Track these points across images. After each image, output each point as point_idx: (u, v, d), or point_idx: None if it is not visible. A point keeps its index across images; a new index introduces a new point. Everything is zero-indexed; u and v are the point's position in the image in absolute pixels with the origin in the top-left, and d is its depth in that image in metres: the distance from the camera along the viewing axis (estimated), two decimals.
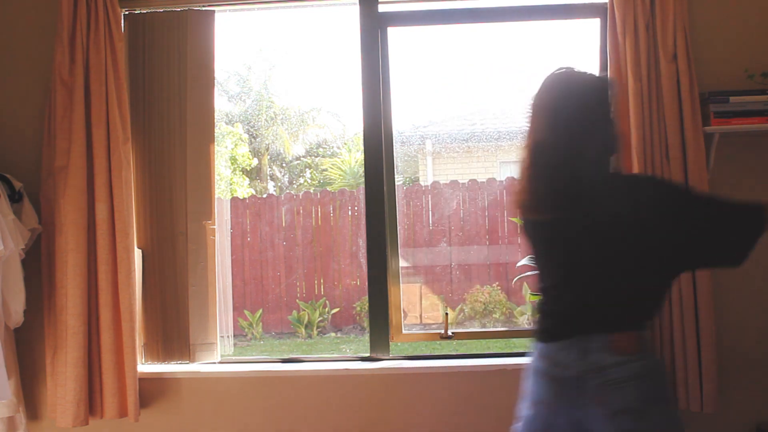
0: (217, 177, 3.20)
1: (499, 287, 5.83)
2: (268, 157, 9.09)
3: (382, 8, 3.07)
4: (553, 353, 1.94)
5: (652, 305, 1.97)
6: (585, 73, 1.96)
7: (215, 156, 3.12)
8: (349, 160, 8.32)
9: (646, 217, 1.84)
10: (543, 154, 1.91)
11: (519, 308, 5.59)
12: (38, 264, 2.95)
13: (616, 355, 1.86)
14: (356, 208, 6.59)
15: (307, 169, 9.28)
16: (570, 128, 1.90)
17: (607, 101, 1.94)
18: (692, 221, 1.87)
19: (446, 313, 3.21)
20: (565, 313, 1.96)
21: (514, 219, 5.20)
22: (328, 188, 7.53)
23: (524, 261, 3.05)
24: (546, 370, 1.96)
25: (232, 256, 6.26)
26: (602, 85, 1.95)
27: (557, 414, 1.93)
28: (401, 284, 3.15)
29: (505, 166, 6.37)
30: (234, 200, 6.90)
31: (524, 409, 2.04)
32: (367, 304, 3.17)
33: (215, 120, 3.11)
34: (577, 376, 1.89)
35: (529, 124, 1.99)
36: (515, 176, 2.03)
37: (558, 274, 1.98)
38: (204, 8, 3.08)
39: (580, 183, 1.88)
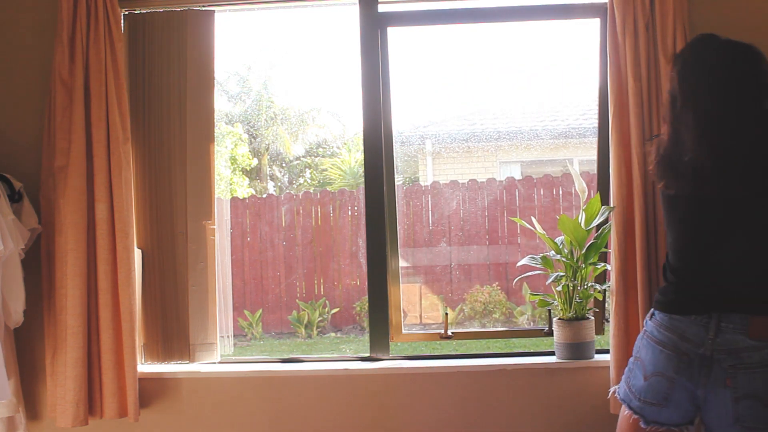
0: (217, 177, 3.20)
1: (498, 287, 5.83)
2: (268, 157, 9.09)
3: (382, 8, 3.07)
4: (683, 327, 1.92)
5: None
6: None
7: (215, 156, 3.12)
8: (349, 160, 8.32)
9: None
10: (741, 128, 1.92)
11: (519, 308, 5.58)
12: (38, 264, 2.94)
13: (752, 339, 1.84)
14: (356, 208, 6.59)
15: (307, 169, 9.28)
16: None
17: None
18: None
19: (446, 313, 3.21)
20: (703, 287, 1.94)
21: (514, 219, 5.19)
22: (328, 188, 7.53)
23: (524, 261, 3.05)
24: (672, 342, 1.93)
25: (232, 256, 6.26)
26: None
27: (676, 388, 1.92)
28: (401, 284, 3.15)
29: (505, 166, 6.37)
30: (234, 200, 6.90)
31: (636, 376, 2.02)
32: (367, 304, 3.17)
33: (215, 120, 3.11)
34: (709, 354, 1.87)
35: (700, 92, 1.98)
36: (654, 139, 2.12)
37: (703, 246, 1.98)
38: (204, 8, 3.07)
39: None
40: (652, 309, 2.07)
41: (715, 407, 1.87)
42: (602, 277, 3.02)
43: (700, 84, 1.98)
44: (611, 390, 2.50)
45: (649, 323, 2.05)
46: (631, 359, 2.09)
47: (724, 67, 1.98)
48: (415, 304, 5.94)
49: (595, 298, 2.94)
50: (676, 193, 2.02)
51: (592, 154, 3.08)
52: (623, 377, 2.12)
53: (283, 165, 9.32)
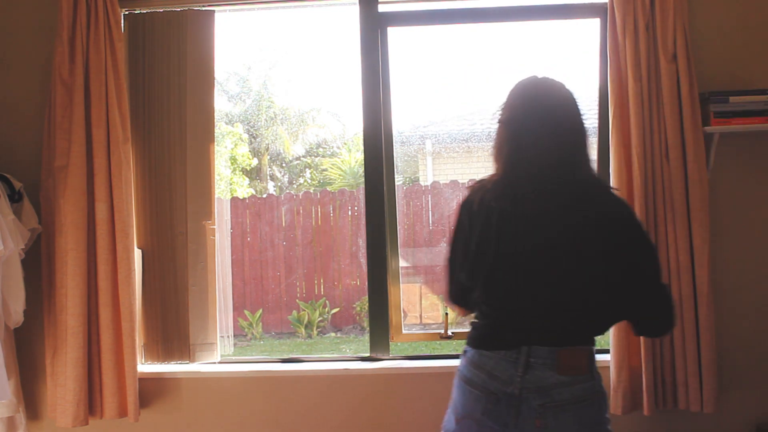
0: (217, 177, 3.20)
1: None
2: (268, 157, 9.09)
3: (382, 8, 3.07)
4: (491, 363, 1.81)
5: (606, 321, 1.89)
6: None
7: (215, 156, 3.13)
8: (349, 160, 8.32)
9: (615, 251, 1.77)
10: (543, 151, 1.85)
11: None
12: (38, 264, 2.95)
13: (561, 375, 1.75)
14: (356, 208, 6.59)
15: (307, 169, 9.28)
16: (574, 132, 1.88)
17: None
18: (645, 285, 1.83)
19: (446, 313, 3.21)
20: (513, 321, 1.82)
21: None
22: (328, 188, 7.53)
23: None
24: (481, 381, 1.81)
25: (232, 256, 6.26)
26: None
27: (486, 431, 1.79)
28: (401, 284, 3.15)
29: None
30: (234, 200, 6.90)
31: (450, 419, 1.91)
32: (367, 304, 3.17)
33: (215, 120, 3.11)
34: (517, 393, 1.76)
35: (518, 123, 1.93)
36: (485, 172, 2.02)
37: (509, 277, 1.84)
38: (204, 8, 3.07)
39: (570, 187, 1.82)
40: (465, 345, 1.94)
41: None
42: None
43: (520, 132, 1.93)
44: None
45: (461, 361, 1.92)
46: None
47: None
48: (415, 304, 5.94)
49: None
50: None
51: (592, 154, 3.08)
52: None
53: (283, 165, 9.32)
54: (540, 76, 1.95)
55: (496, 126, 1.97)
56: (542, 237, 1.80)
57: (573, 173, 1.84)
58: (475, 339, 1.88)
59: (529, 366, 1.77)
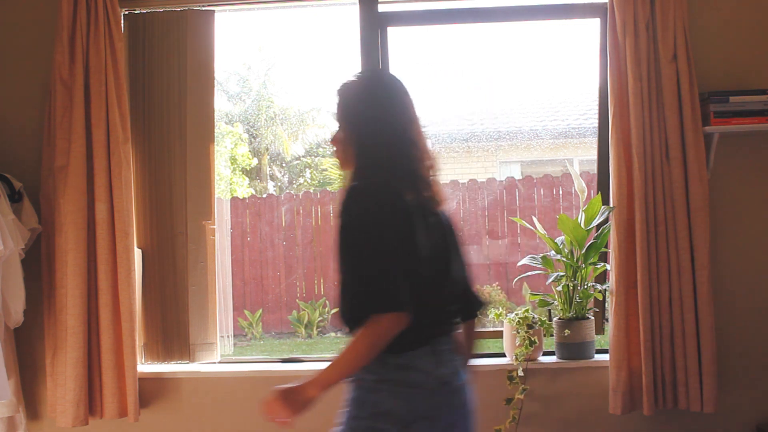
0: (217, 177, 3.20)
1: (499, 287, 5.82)
2: (268, 157, 9.09)
3: (382, 8, 3.07)
4: (430, 360, 1.83)
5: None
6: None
7: (215, 156, 3.12)
8: None
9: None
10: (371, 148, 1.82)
11: (519, 308, 5.57)
12: (38, 264, 2.94)
13: (460, 356, 1.85)
14: None
15: (306, 169, 9.27)
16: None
17: None
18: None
19: None
20: (429, 315, 1.81)
21: (514, 219, 5.20)
22: (328, 188, 7.52)
23: (524, 261, 3.05)
24: (422, 380, 1.80)
25: (232, 256, 6.25)
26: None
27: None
28: None
29: (505, 166, 6.37)
30: (234, 200, 6.90)
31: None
32: None
33: (215, 120, 3.11)
34: (455, 383, 1.84)
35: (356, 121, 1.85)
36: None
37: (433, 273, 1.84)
38: (204, 8, 3.07)
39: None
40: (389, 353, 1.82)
41: None
42: (602, 277, 3.02)
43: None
44: None
45: (393, 367, 1.83)
46: None
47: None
48: None
49: (595, 298, 2.94)
50: None
51: (592, 154, 3.08)
52: None
53: (283, 165, 9.32)
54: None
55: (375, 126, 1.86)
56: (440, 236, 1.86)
57: None
58: (404, 344, 1.76)
59: (447, 355, 1.82)
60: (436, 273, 1.81)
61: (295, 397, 1.69)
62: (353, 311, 1.72)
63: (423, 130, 1.88)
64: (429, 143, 1.89)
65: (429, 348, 1.78)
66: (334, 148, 1.89)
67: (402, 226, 1.72)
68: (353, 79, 1.90)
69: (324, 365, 1.71)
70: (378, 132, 1.82)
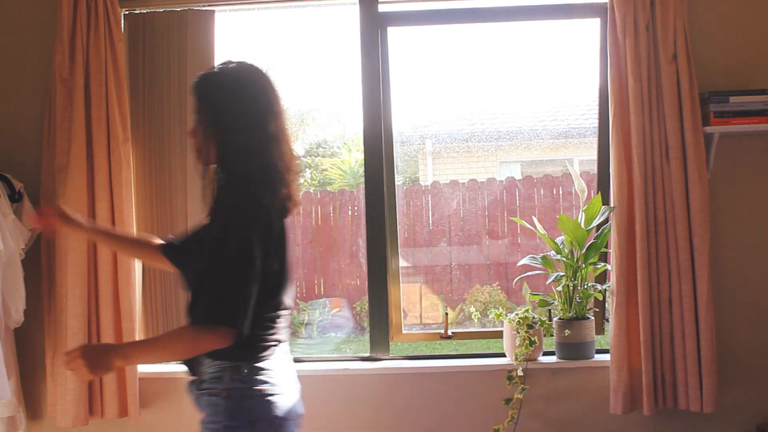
0: None
1: (499, 287, 5.82)
2: None
3: (382, 8, 3.07)
4: (288, 367, 1.93)
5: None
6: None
7: None
8: (349, 160, 8.31)
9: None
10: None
11: (519, 308, 5.57)
12: (38, 264, 2.94)
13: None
14: (356, 208, 6.58)
15: (307, 169, 9.27)
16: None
17: None
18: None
19: (446, 313, 3.21)
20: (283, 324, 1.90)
21: (514, 219, 5.20)
22: (328, 188, 7.52)
23: (525, 261, 3.05)
24: (291, 383, 1.93)
25: None
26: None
27: None
28: (401, 284, 3.15)
29: (505, 166, 6.36)
30: None
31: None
32: (367, 304, 3.16)
33: None
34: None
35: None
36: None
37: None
38: (204, 8, 3.07)
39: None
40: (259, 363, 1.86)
41: None
42: (602, 277, 3.03)
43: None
44: None
45: (270, 378, 1.87)
46: None
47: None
48: (416, 304, 5.93)
49: (595, 298, 2.94)
50: None
51: (592, 154, 3.09)
52: None
53: None
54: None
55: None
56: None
57: None
58: (262, 350, 1.82)
59: (290, 356, 1.92)
60: (287, 280, 1.85)
61: (99, 361, 1.70)
62: (197, 309, 1.74)
63: (287, 125, 1.85)
64: (292, 139, 1.87)
65: (284, 351, 1.87)
66: (192, 141, 1.86)
67: (272, 252, 1.76)
68: (215, 70, 1.87)
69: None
70: (239, 127, 1.79)
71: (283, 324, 1.86)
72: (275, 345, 1.83)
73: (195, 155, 1.86)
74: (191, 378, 1.85)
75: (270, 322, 1.81)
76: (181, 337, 1.76)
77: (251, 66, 1.87)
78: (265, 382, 1.79)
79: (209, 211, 1.83)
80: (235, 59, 1.91)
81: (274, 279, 1.79)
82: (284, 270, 1.82)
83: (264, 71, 1.87)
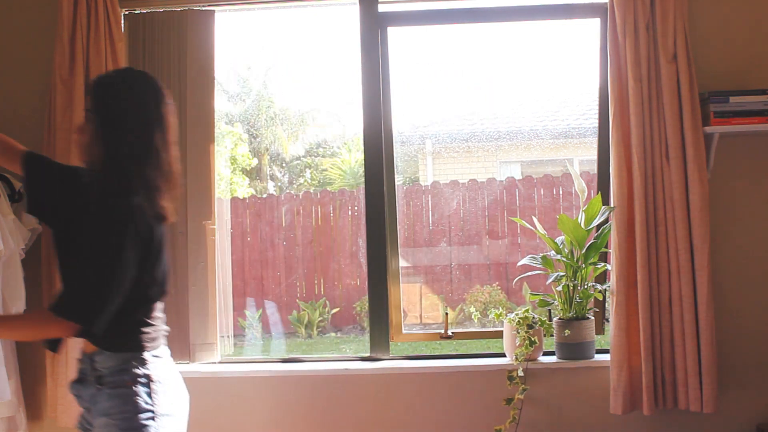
0: (217, 177, 3.19)
1: (498, 287, 5.82)
2: (268, 157, 9.09)
3: (382, 8, 3.07)
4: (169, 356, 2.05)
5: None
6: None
7: (215, 156, 3.12)
8: (349, 160, 8.31)
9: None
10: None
11: (519, 308, 5.57)
12: (38, 264, 2.94)
13: None
14: (356, 208, 6.58)
15: (307, 169, 9.27)
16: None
17: None
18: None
19: (446, 313, 3.21)
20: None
21: (514, 219, 5.21)
22: (328, 188, 7.52)
23: (525, 261, 3.05)
24: (176, 374, 2.02)
25: (232, 256, 6.25)
26: None
27: None
28: (401, 284, 3.15)
29: (505, 166, 6.36)
30: (234, 200, 6.89)
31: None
32: (367, 304, 3.17)
33: (215, 120, 3.11)
34: None
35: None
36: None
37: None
38: (204, 8, 3.07)
39: None
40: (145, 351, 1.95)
41: None
42: (602, 277, 3.03)
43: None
44: None
45: (157, 365, 1.96)
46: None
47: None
48: (415, 304, 5.93)
49: (595, 298, 2.94)
50: None
51: (592, 154, 3.09)
52: None
53: (283, 165, 9.32)
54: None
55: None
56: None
57: None
58: (156, 339, 1.97)
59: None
60: (163, 279, 1.99)
61: None
62: (59, 295, 1.79)
63: (173, 138, 1.94)
64: (175, 149, 1.96)
65: (164, 343, 1.99)
66: (78, 137, 1.94)
67: (148, 257, 1.87)
68: (110, 74, 1.98)
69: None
70: (128, 134, 1.87)
71: (161, 320, 2.02)
72: (162, 335, 2.00)
73: (79, 152, 1.95)
74: (78, 377, 1.95)
75: (149, 317, 1.96)
76: (33, 320, 1.90)
77: (149, 77, 1.97)
78: (164, 369, 1.94)
79: (87, 179, 1.90)
80: (128, 68, 2.00)
81: (150, 279, 1.92)
82: (160, 270, 1.96)
83: (160, 84, 1.97)
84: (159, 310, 2.01)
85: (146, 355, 1.90)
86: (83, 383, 1.93)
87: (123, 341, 1.88)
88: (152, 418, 1.86)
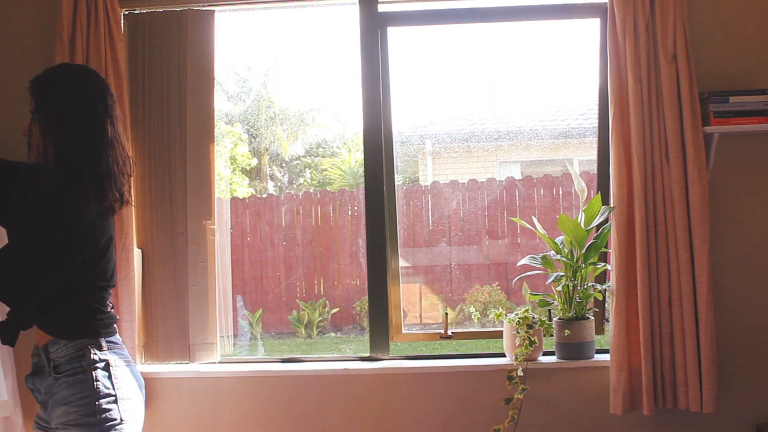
0: (217, 177, 3.19)
1: (498, 287, 5.82)
2: (268, 157, 9.09)
3: (382, 8, 3.07)
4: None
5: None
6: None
7: (215, 156, 3.12)
8: (349, 160, 8.31)
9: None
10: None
11: (519, 308, 5.56)
12: None
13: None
14: (356, 208, 6.58)
15: (306, 169, 9.27)
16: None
17: None
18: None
19: (446, 313, 3.21)
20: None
21: (514, 219, 5.21)
22: (328, 188, 7.52)
23: (524, 261, 3.05)
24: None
25: (232, 256, 6.25)
26: None
27: None
28: (401, 284, 3.15)
29: (505, 166, 6.36)
30: (234, 200, 6.89)
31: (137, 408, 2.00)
32: (367, 304, 3.16)
33: (215, 120, 3.11)
34: None
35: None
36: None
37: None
38: (204, 8, 3.07)
39: None
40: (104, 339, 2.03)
41: None
42: (602, 277, 3.03)
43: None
44: None
45: (117, 353, 2.02)
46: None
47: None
48: (415, 304, 5.93)
49: (595, 298, 2.94)
50: None
51: (592, 154, 3.09)
52: None
53: (283, 165, 9.32)
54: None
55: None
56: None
57: None
58: (110, 326, 2.02)
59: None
60: (112, 270, 2.03)
61: None
62: None
63: (123, 129, 1.99)
64: (126, 145, 2.02)
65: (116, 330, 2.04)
66: (27, 136, 1.99)
67: (96, 250, 1.92)
68: (47, 73, 1.98)
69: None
70: (76, 129, 1.89)
71: (112, 307, 2.06)
72: (114, 320, 2.05)
73: (29, 151, 1.98)
74: (32, 370, 1.99)
75: (102, 304, 1.99)
76: None
77: (89, 70, 1.99)
78: (121, 354, 1.98)
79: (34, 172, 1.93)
80: (74, 64, 2.02)
81: (100, 270, 1.96)
82: (108, 261, 2.00)
83: (101, 76, 1.99)
84: (109, 299, 2.05)
85: (102, 341, 1.93)
86: (38, 375, 1.93)
87: (78, 328, 1.91)
88: (114, 402, 1.88)
